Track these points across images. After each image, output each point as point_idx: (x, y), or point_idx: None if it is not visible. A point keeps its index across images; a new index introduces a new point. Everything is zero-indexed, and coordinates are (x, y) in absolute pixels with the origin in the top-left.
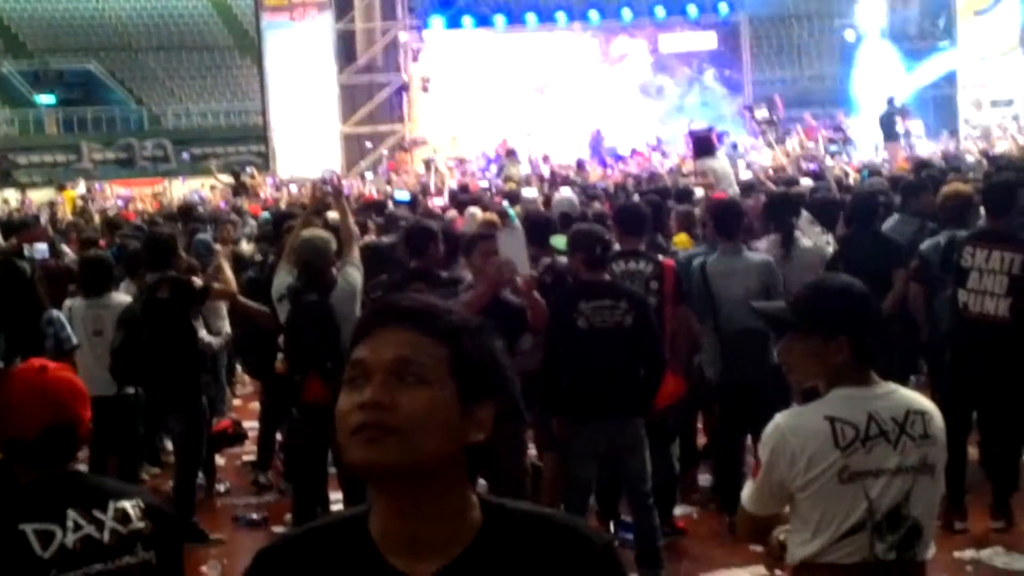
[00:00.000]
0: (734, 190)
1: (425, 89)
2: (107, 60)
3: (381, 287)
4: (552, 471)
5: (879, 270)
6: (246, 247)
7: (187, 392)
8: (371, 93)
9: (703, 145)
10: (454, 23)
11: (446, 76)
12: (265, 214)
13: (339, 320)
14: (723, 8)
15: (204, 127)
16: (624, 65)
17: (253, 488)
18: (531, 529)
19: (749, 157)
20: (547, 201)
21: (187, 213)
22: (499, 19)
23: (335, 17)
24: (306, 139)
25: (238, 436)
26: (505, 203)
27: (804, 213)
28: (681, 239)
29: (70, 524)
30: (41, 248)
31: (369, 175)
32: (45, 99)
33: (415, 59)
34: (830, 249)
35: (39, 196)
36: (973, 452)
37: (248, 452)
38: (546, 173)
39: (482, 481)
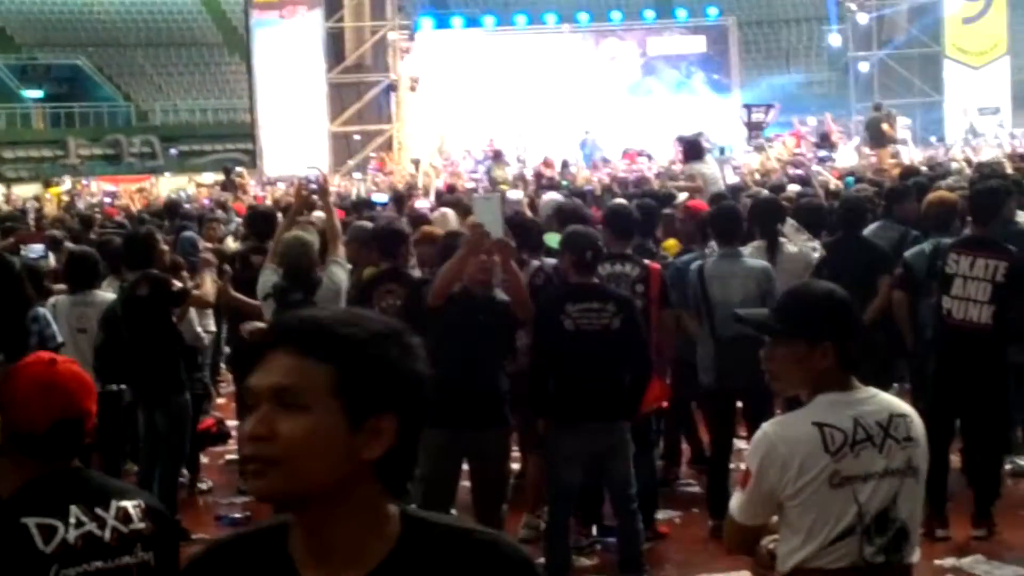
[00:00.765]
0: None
1: (413, 89)
2: (95, 55)
3: (352, 287)
4: (536, 473)
5: (864, 277)
6: (231, 244)
7: (169, 388)
8: (360, 92)
9: (692, 149)
10: (444, 23)
11: (435, 76)
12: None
13: None
14: (712, 12)
15: (192, 124)
16: (613, 67)
17: (236, 487)
18: (450, 543)
19: (735, 161)
20: (532, 204)
21: (173, 210)
22: (489, 20)
23: (325, 15)
24: (294, 137)
25: (221, 435)
26: None
27: (789, 219)
28: (671, 244)
29: (72, 520)
30: (36, 249)
31: (357, 175)
32: (32, 94)
33: (404, 59)
34: (816, 255)
35: (25, 191)
36: (955, 460)
37: (231, 451)
38: (530, 175)
39: (466, 484)
